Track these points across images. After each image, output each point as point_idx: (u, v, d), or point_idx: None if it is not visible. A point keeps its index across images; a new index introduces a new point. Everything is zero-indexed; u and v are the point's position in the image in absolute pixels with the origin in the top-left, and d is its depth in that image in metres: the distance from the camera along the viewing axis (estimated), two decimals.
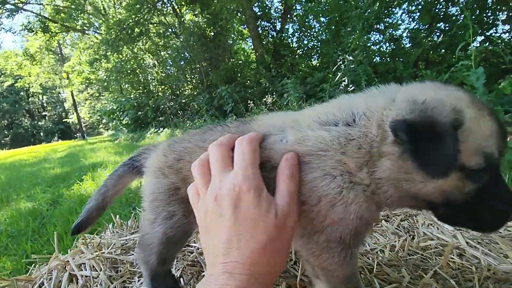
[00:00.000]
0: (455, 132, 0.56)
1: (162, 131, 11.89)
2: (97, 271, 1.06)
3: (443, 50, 7.57)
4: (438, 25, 7.58)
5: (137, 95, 16.32)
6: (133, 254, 1.17)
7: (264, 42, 12.32)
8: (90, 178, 4.73)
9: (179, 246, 0.95)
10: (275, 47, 12.10)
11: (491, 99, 3.12)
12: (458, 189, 0.60)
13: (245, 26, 12.87)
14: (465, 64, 3.70)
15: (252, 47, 12.96)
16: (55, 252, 1.23)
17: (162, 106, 13.91)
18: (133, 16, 13.75)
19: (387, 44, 8.68)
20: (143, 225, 0.91)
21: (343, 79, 6.34)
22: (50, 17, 16.40)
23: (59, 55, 29.95)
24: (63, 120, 41.07)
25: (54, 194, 4.34)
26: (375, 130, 0.63)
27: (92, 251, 1.19)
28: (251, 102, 7.60)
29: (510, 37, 6.73)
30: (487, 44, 6.00)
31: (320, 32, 10.04)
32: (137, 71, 16.16)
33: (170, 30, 15.25)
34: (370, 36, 8.26)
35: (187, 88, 15.38)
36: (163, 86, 16.49)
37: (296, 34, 11.91)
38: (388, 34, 8.44)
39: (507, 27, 6.67)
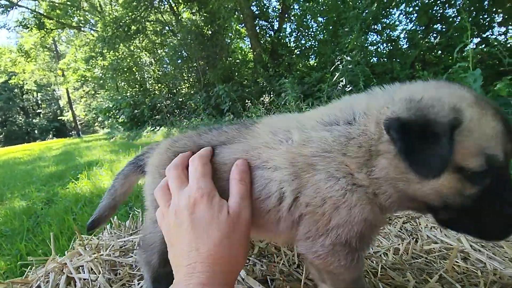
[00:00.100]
0: (451, 132, 0.55)
1: (158, 130, 11.82)
2: (95, 273, 1.04)
3: (440, 52, 7.62)
4: (435, 26, 7.63)
5: (134, 93, 16.21)
6: (132, 256, 1.15)
7: (261, 41, 12.29)
8: (86, 177, 4.67)
9: None
10: (272, 47, 12.09)
11: None
12: (457, 192, 0.58)
13: (243, 25, 12.82)
14: (462, 65, 3.72)
15: (250, 46, 12.93)
16: (52, 254, 1.20)
17: (158, 105, 13.83)
18: (130, 14, 13.62)
19: (384, 45, 8.70)
20: (146, 224, 0.91)
21: (341, 79, 6.34)
22: (45, 14, 16.20)
23: (54, 52, 29.63)
24: (58, 118, 40.62)
25: (49, 192, 4.28)
26: (373, 128, 0.63)
27: (90, 253, 1.16)
28: (249, 101, 7.56)
29: (505, 39, 6.78)
30: (483, 46, 6.04)
31: (318, 32, 10.04)
32: (134, 69, 16.04)
33: (167, 28, 15.14)
34: (368, 36, 8.28)
35: (184, 86, 15.30)
36: (159, 85, 16.40)
37: (293, 33, 11.92)
38: (385, 34, 8.46)
39: (503, 29, 6.73)
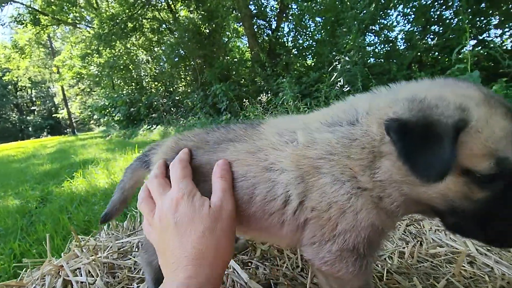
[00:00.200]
0: (456, 133, 0.52)
1: (155, 128, 11.76)
2: (93, 276, 1.01)
3: (437, 53, 7.65)
4: (432, 28, 7.66)
5: (130, 91, 16.10)
6: (131, 258, 1.12)
7: (259, 41, 12.26)
8: (81, 175, 4.62)
9: None
10: (270, 46, 12.08)
11: None
12: (464, 196, 0.55)
13: (241, 24, 12.79)
14: (460, 67, 3.74)
15: (247, 45, 12.89)
16: (48, 256, 1.16)
17: (155, 103, 13.76)
18: (127, 11, 13.52)
19: (382, 46, 8.72)
20: None
21: (339, 79, 6.34)
22: (40, 9, 15.98)
23: (49, 49, 29.30)
24: (53, 115, 40.16)
25: (43, 191, 4.22)
26: (376, 129, 0.62)
27: (87, 255, 1.13)
28: (246, 100, 7.53)
29: (501, 41, 6.83)
30: (479, 48, 6.08)
31: (316, 32, 10.03)
32: (130, 67, 15.93)
33: (164, 26, 15.03)
34: (365, 37, 8.30)
35: (181, 85, 15.23)
36: (156, 83, 16.30)
37: (291, 33, 11.90)
38: (383, 35, 8.48)
39: (499, 31, 6.78)
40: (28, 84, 36.21)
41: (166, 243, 0.68)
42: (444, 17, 7.45)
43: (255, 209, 0.73)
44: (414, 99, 0.58)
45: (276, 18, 12.74)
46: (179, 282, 0.59)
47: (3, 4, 15.55)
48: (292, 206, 0.69)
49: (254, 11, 12.34)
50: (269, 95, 7.63)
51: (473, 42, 6.75)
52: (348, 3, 7.96)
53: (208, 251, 0.63)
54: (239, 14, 11.89)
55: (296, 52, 11.24)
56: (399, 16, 8.37)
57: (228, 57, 13.44)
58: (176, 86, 15.42)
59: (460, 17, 6.57)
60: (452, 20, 7.23)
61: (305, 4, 9.43)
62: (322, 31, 9.31)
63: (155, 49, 16.20)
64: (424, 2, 7.43)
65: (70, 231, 2.64)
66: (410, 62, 7.48)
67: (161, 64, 16.21)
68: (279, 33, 12.01)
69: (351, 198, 0.63)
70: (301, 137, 0.70)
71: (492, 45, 6.15)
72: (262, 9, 12.59)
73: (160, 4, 14.57)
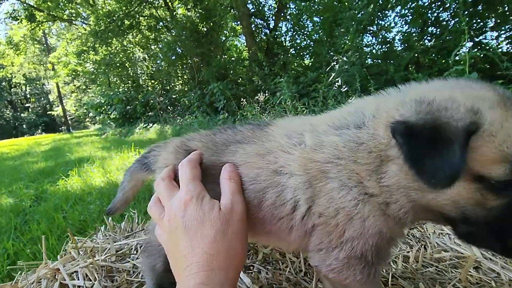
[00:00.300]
0: (466, 136, 0.49)
1: (151, 127, 11.68)
2: (90, 280, 0.98)
3: (434, 55, 7.69)
4: (430, 29, 7.69)
5: (126, 89, 15.98)
6: (129, 262, 1.10)
7: (257, 40, 12.24)
8: (76, 174, 4.56)
9: None
10: (268, 45, 12.06)
11: None
12: (477, 203, 0.53)
13: (238, 22, 12.75)
14: (459, 69, 3.74)
15: (245, 44, 12.86)
16: (44, 259, 1.13)
17: (151, 101, 13.67)
18: (123, 8, 13.40)
19: (379, 46, 8.74)
20: (152, 226, 0.88)
21: (337, 79, 6.35)
22: (35, 5, 15.78)
23: (44, 45, 28.99)
24: (47, 113, 39.77)
25: (37, 189, 4.16)
26: (382, 132, 0.59)
27: (84, 257, 1.10)
28: (244, 100, 7.50)
29: (497, 43, 6.89)
30: (475, 50, 6.12)
31: (313, 31, 10.03)
32: (127, 64, 15.82)
33: (161, 23, 14.94)
34: (363, 37, 8.32)
35: (177, 83, 15.15)
36: (153, 81, 16.20)
37: (289, 32, 11.89)
38: (381, 36, 8.50)
39: (495, 33, 6.83)
40: (22, 81, 35.80)
41: (176, 245, 0.66)
42: (441, 19, 7.49)
43: (264, 213, 0.71)
44: (422, 101, 0.56)
45: (274, 17, 12.73)
46: None
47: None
48: (300, 212, 0.67)
49: (252, 10, 12.31)
50: (266, 94, 7.61)
51: (469, 44, 6.79)
52: (346, 3, 7.97)
53: (220, 255, 0.62)
54: (237, 13, 11.85)
55: (293, 52, 11.24)
56: (397, 17, 8.40)
57: (225, 56, 13.39)
58: (173, 84, 15.34)
59: (457, 19, 6.61)
60: (449, 22, 7.27)
61: (303, 3, 9.42)
62: (320, 31, 9.31)
63: (152, 47, 16.10)
64: (421, 2, 7.45)
65: (65, 230, 2.61)
66: (407, 63, 7.51)
67: (158, 62, 16.11)
68: (277, 33, 12.01)
69: (358, 204, 0.61)
70: (308, 140, 0.68)
71: (489, 48, 6.20)
72: (260, 8, 12.58)
73: (158, 2, 14.47)
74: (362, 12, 7.33)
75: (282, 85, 6.67)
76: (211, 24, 12.46)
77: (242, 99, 7.59)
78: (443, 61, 6.89)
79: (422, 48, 7.65)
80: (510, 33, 6.64)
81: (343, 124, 0.67)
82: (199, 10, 12.64)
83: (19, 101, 43.16)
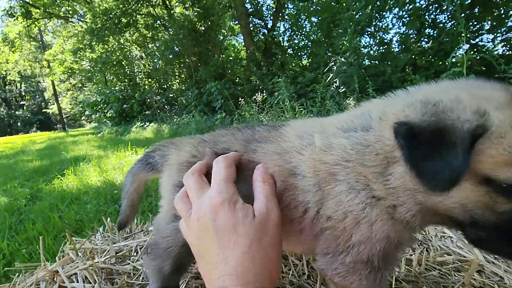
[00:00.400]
0: (472, 139, 0.48)
1: (148, 126, 11.63)
2: (90, 283, 0.97)
3: (431, 56, 7.73)
4: (427, 31, 7.74)
5: (123, 88, 15.88)
6: (129, 264, 1.08)
7: (255, 39, 12.24)
8: (72, 173, 4.52)
9: None
10: (266, 45, 12.07)
11: None
12: (486, 206, 0.52)
13: (236, 22, 12.74)
14: (456, 71, 3.76)
15: (243, 43, 12.86)
16: (42, 260, 1.11)
17: (148, 100, 13.61)
18: (120, 6, 13.32)
19: (377, 47, 8.78)
20: (160, 226, 0.84)
21: (335, 80, 6.36)
22: (32, 2, 15.62)
23: (40, 43, 28.69)
24: (43, 111, 39.38)
25: (32, 188, 4.11)
26: (388, 134, 0.58)
27: (83, 259, 1.09)
28: (241, 99, 7.50)
29: (493, 45, 6.95)
30: (472, 52, 6.17)
31: (311, 32, 10.05)
32: (123, 62, 15.72)
33: (159, 22, 14.87)
34: (361, 38, 8.35)
35: (175, 82, 15.10)
36: (150, 80, 16.13)
37: (287, 32, 11.91)
38: (378, 37, 8.54)
39: (491, 36, 6.90)
40: (17, 78, 35.48)
41: (207, 250, 0.63)
42: (439, 21, 7.54)
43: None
44: (428, 102, 0.55)
45: (272, 17, 12.75)
46: None
47: None
48: (310, 214, 0.67)
49: (250, 10, 12.32)
50: (264, 94, 7.61)
51: (466, 46, 6.84)
52: (344, 4, 7.98)
53: (255, 265, 0.58)
54: (235, 12, 11.84)
55: (291, 52, 11.25)
56: (395, 19, 8.44)
57: (223, 55, 13.37)
58: (170, 83, 15.28)
59: (454, 21, 6.66)
60: (446, 24, 7.32)
61: (301, 4, 9.43)
62: (318, 32, 9.33)
63: (149, 45, 16.02)
64: (419, 4, 7.50)
65: (61, 230, 2.58)
66: (405, 64, 7.55)
67: (155, 60, 16.05)
68: (275, 33, 12.02)
69: (365, 208, 0.61)
70: (318, 141, 0.68)
71: (486, 50, 6.25)
72: (258, 8, 12.59)
73: (155, 0, 14.41)
74: (360, 13, 7.36)
75: (280, 85, 6.67)
76: (209, 23, 12.44)
77: (239, 99, 7.58)
78: (440, 63, 6.94)
79: (419, 49, 7.69)
80: (506, 35, 6.71)
81: (351, 127, 0.66)
82: (197, 9, 12.62)
83: (13, 98, 42.75)
